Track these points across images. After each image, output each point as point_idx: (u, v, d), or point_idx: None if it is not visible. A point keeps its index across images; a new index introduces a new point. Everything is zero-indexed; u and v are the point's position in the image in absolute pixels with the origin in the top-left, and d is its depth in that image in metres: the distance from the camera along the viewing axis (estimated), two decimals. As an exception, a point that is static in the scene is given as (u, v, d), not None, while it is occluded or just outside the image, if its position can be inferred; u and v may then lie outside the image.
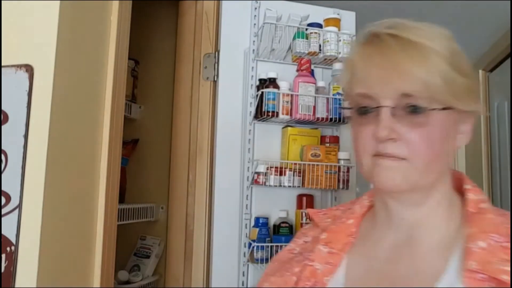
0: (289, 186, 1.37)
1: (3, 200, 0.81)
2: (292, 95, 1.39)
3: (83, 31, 0.94)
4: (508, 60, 2.14)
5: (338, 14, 1.53)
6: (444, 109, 0.50)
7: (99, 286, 0.94)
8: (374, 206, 0.63)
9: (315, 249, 0.61)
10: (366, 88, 0.53)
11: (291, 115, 1.38)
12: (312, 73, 1.45)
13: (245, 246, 1.39)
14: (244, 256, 1.39)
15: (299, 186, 1.38)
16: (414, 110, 0.50)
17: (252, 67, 1.47)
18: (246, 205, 1.41)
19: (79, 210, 0.93)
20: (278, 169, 1.37)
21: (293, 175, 1.37)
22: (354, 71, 0.55)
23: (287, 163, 1.39)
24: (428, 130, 0.51)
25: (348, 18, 1.60)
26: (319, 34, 1.43)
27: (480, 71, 2.43)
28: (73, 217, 0.91)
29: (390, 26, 0.52)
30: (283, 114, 1.37)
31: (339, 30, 1.45)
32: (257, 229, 1.37)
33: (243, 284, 1.40)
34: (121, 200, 1.56)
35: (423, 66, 0.49)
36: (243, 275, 1.40)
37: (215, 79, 1.52)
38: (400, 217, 0.56)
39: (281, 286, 0.61)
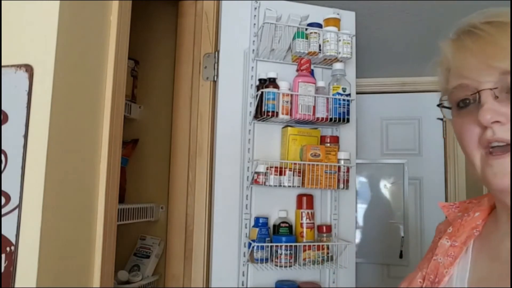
0: (289, 186, 1.37)
1: (3, 200, 0.81)
2: (292, 95, 1.39)
3: (82, 31, 0.93)
4: None
5: (338, 14, 1.53)
6: None
7: (99, 286, 0.94)
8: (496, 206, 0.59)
9: (439, 244, 0.61)
10: (464, 77, 0.50)
11: (291, 115, 1.38)
12: (312, 73, 1.46)
13: (245, 246, 1.39)
14: (244, 256, 1.39)
15: (299, 186, 1.38)
16: None
17: (252, 67, 1.47)
18: (246, 205, 1.41)
19: (79, 210, 0.93)
20: (278, 169, 1.37)
21: (293, 175, 1.37)
22: (449, 66, 0.53)
23: (287, 163, 1.39)
24: None
25: (348, 18, 1.60)
26: (318, 34, 1.43)
27: None
28: (73, 217, 0.91)
29: (479, 17, 0.51)
30: (283, 114, 1.37)
31: (339, 30, 1.45)
32: (257, 229, 1.37)
33: (243, 284, 1.40)
34: (121, 200, 1.56)
35: None
36: (243, 275, 1.40)
37: (215, 79, 1.52)
38: None
39: (413, 280, 0.64)
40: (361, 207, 2.78)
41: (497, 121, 0.47)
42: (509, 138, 0.47)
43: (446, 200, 2.62)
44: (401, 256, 2.70)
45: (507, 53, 0.46)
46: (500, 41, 0.47)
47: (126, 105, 1.52)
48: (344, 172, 1.43)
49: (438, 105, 0.57)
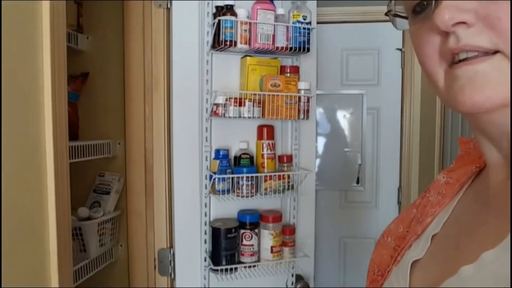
0: (249, 117, 1.35)
1: None
2: (250, 23, 1.32)
3: None
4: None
5: None
6: None
7: (55, 224, 0.92)
8: None
9: (435, 179, 0.54)
10: None
11: (249, 44, 1.33)
12: (271, -1, 1.38)
13: (206, 178, 1.40)
14: (206, 188, 1.40)
15: (259, 117, 1.37)
16: None
17: (207, -8, 1.37)
18: (206, 137, 1.39)
19: (25, 149, 0.87)
20: (238, 100, 1.35)
21: (253, 106, 1.35)
22: None
23: (247, 93, 1.36)
24: None
25: None
26: (277, -45, 1.34)
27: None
28: (19, 157, 0.86)
29: None
30: (241, 43, 1.32)
31: (299, -50, 1.36)
32: (218, 161, 1.37)
33: (206, 215, 1.42)
34: (75, 137, 1.50)
35: None
36: (205, 206, 1.42)
37: (169, 6, 1.42)
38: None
39: (406, 218, 0.57)
40: (321, 138, 2.84)
41: (462, 22, 0.35)
42: (480, 41, 0.35)
43: (402, 130, 2.72)
44: (358, 182, 2.83)
45: None
46: None
47: (71, 35, 1.41)
48: (304, 102, 1.42)
49: (386, 14, 0.45)
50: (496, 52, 0.35)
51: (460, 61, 0.36)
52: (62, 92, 0.94)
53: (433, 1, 0.36)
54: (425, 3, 0.38)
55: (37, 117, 0.90)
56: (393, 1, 0.44)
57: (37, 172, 0.91)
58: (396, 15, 0.44)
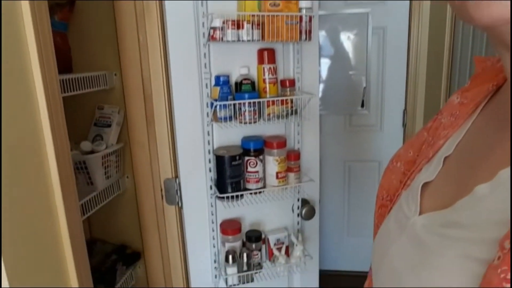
0: (248, 41, 1.28)
1: None
2: None
3: None
4: None
5: None
6: None
7: (54, 158, 0.90)
8: None
9: (449, 100, 0.51)
10: None
11: (245, -43, 1.22)
12: None
13: (207, 106, 1.36)
14: (208, 116, 1.37)
15: (259, 40, 1.29)
16: None
17: None
18: (205, 64, 1.33)
19: (12, 85, 0.83)
20: (235, 23, 1.26)
21: (252, 28, 1.27)
22: None
23: (245, 15, 1.27)
24: None
25: None
26: None
27: None
28: (7, 95, 0.81)
29: None
30: (236, -44, 1.21)
31: None
32: (218, 88, 1.32)
33: (209, 144, 1.41)
34: (69, 70, 1.45)
35: None
36: (208, 134, 1.40)
37: None
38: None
39: (416, 143, 0.55)
40: (324, 61, 2.75)
41: None
42: None
43: (408, 50, 2.61)
44: (362, 105, 2.79)
45: None
46: None
47: (51, -43, 1.29)
48: (306, 22, 1.33)
49: None
50: None
51: None
52: (44, 19, 0.87)
53: None
54: None
55: (21, 50, 0.84)
56: None
57: (29, 109, 0.87)
58: None
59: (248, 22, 1.27)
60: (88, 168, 1.39)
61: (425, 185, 0.46)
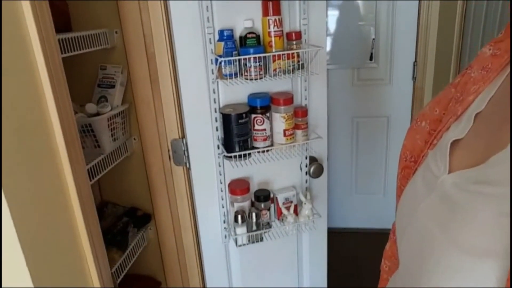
0: (252, -9, 1.21)
1: None
2: None
3: None
4: None
5: None
6: None
7: (58, 122, 0.88)
8: None
9: (480, 52, 0.47)
10: None
11: None
12: None
13: (211, 63, 1.32)
14: (212, 73, 1.33)
15: (263, -10, 1.23)
16: None
17: None
18: (208, 17, 1.27)
19: (9, 47, 0.79)
20: (238, -28, 1.19)
21: (256, -22, 1.21)
22: None
23: (247, -37, 1.20)
24: None
25: None
26: None
27: None
28: (4, 60, 0.78)
29: None
30: None
31: None
32: (222, 43, 1.27)
33: (215, 102, 1.37)
34: (68, 29, 1.39)
35: None
36: (214, 92, 1.36)
37: None
38: None
39: (443, 100, 0.51)
40: (332, 12, 2.64)
41: None
42: None
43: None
44: (371, 58, 2.71)
45: None
46: None
47: None
48: (312, -31, 1.26)
49: None
50: None
51: None
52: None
53: None
54: None
55: (15, 8, 0.80)
56: None
57: (28, 72, 0.84)
58: None
59: (251, -29, 1.20)
60: (95, 131, 1.37)
61: (454, 143, 0.43)
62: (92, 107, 1.41)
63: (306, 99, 1.47)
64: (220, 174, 1.47)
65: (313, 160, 1.58)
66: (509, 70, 0.44)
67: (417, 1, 2.50)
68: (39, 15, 0.84)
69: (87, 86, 1.50)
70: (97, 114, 1.40)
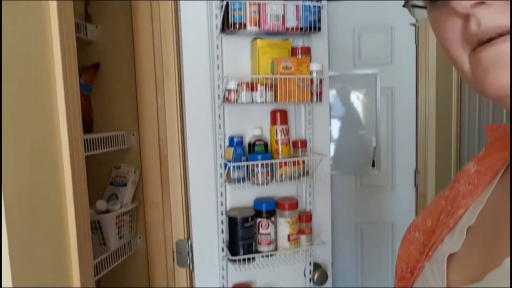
0: (262, 102, 1.32)
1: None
2: (259, 4, 1.29)
3: None
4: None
5: None
6: None
7: (74, 218, 0.91)
8: None
9: (465, 167, 0.51)
10: None
11: (259, 26, 1.30)
12: (280, -22, 1.34)
13: (221, 167, 1.38)
14: (221, 177, 1.39)
15: (271, 102, 1.34)
16: None
17: (215, -24, 1.34)
18: (219, 124, 1.37)
19: (39, 144, 0.86)
20: (249, 85, 1.32)
21: (265, 90, 1.32)
22: None
23: (258, 78, 1.33)
24: None
25: None
26: None
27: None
28: (34, 153, 0.85)
29: None
30: (251, 25, 1.29)
31: None
32: (232, 149, 1.35)
33: (222, 205, 1.41)
34: (89, 130, 1.49)
35: None
36: (221, 195, 1.40)
37: (175, -9, 1.39)
38: None
39: (434, 211, 0.54)
40: (335, 121, 2.80)
41: (480, 3, 0.33)
42: (502, 22, 0.33)
43: (417, 110, 2.66)
44: (373, 165, 2.79)
45: None
46: None
47: (80, 25, 1.39)
48: (317, 84, 1.39)
49: (404, 6, 0.43)
50: None
51: (485, 42, 0.34)
52: (74, 84, 0.92)
53: None
54: None
55: (51, 111, 0.89)
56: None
57: (54, 167, 0.90)
58: (414, 6, 0.42)
59: (261, 84, 1.33)
60: (102, 228, 1.39)
61: (450, 256, 0.45)
62: (102, 204, 1.44)
63: (310, 204, 1.50)
64: (223, 278, 1.44)
65: (317, 266, 1.55)
66: (494, 185, 0.47)
67: (415, 113, 2.66)
68: (71, 118, 0.92)
69: (99, 183, 1.55)
70: (107, 211, 1.43)
